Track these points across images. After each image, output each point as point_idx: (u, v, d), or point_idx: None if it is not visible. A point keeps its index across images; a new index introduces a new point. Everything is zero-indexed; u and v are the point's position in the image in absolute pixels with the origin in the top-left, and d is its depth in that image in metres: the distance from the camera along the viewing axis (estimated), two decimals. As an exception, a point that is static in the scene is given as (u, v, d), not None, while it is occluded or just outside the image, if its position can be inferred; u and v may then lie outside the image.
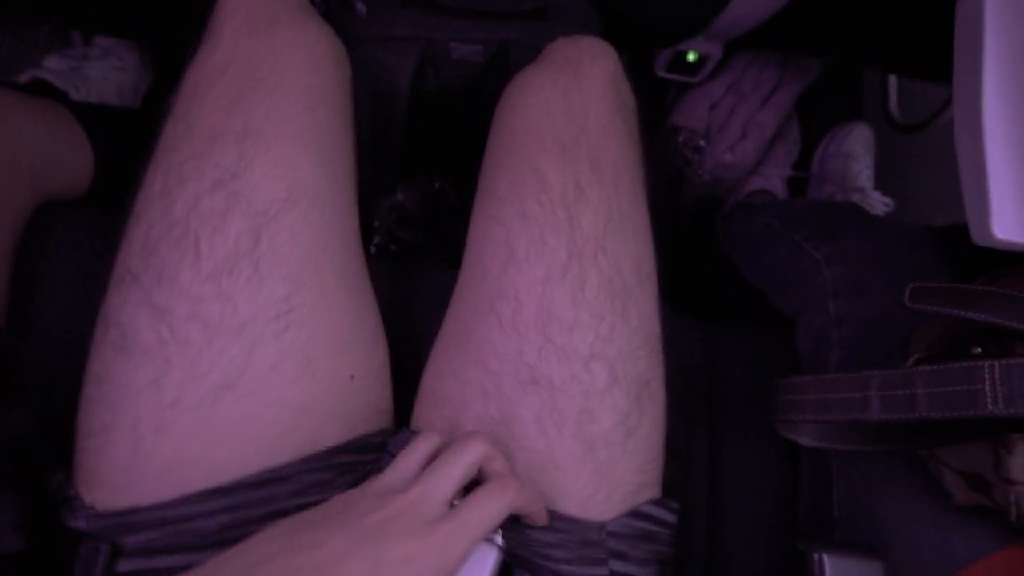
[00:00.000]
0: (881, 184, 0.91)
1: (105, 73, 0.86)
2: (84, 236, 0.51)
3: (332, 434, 0.38)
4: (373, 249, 0.63)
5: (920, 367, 0.32)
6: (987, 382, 0.31)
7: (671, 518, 0.41)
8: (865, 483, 0.42)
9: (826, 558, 0.31)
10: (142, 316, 0.35)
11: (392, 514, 0.30)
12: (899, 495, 0.41)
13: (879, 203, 0.88)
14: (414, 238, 0.62)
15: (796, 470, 0.45)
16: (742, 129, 0.84)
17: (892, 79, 0.97)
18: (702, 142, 0.84)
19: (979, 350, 0.36)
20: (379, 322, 0.43)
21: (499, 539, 0.33)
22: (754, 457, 0.48)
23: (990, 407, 0.31)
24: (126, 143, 0.61)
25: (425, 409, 0.41)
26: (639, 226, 0.43)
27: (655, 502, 0.40)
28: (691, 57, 0.79)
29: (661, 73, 0.82)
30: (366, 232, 0.45)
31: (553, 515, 0.36)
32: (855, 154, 0.90)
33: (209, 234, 0.36)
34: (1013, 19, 0.41)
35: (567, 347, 0.38)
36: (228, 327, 0.35)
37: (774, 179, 0.87)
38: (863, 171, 0.90)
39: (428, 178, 0.64)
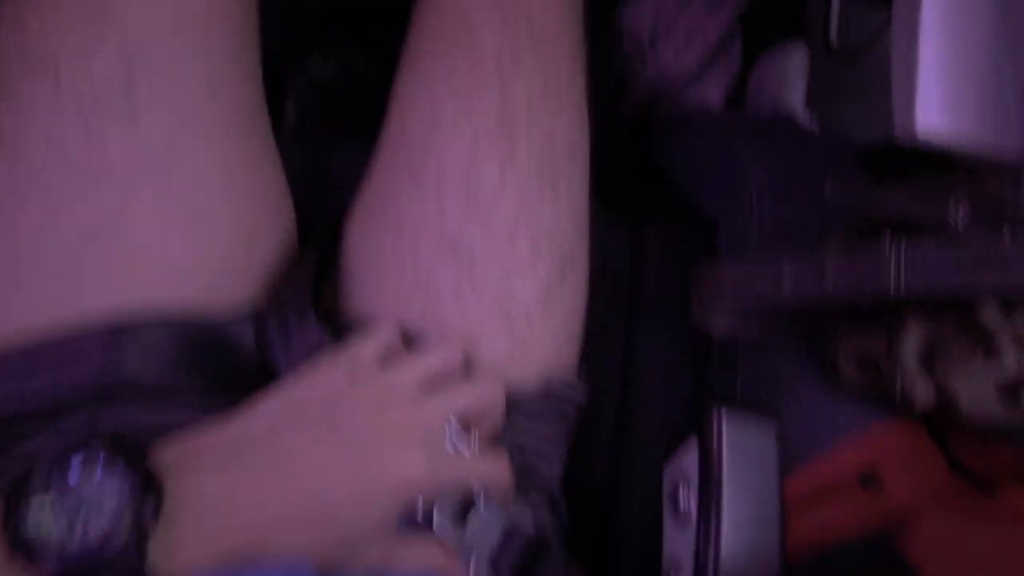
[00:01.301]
0: (811, 107, 0.93)
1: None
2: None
3: (224, 299, 0.35)
4: (292, 125, 0.58)
5: (831, 244, 0.33)
6: (892, 261, 0.33)
7: (580, 398, 0.41)
8: (766, 366, 0.44)
9: (724, 411, 0.32)
10: None
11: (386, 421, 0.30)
12: (795, 377, 0.43)
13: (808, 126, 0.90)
14: (333, 114, 0.57)
15: (707, 359, 0.47)
16: (686, 36, 0.82)
17: (835, 3, 0.97)
18: (646, 46, 0.82)
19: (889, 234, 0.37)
20: (285, 189, 0.40)
21: None
22: (668, 348, 0.49)
23: (892, 285, 0.32)
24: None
25: (341, 283, 0.39)
26: (575, 104, 0.41)
27: (567, 383, 0.40)
28: (640, -48, 0.76)
29: (609, -32, 0.78)
30: (280, 105, 0.41)
31: None
32: (789, 75, 0.91)
33: (71, 67, 0.31)
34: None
35: (491, 219, 0.36)
36: (96, 173, 0.31)
37: (712, 90, 0.86)
38: (795, 92, 0.91)
39: (348, 51, 0.58)
